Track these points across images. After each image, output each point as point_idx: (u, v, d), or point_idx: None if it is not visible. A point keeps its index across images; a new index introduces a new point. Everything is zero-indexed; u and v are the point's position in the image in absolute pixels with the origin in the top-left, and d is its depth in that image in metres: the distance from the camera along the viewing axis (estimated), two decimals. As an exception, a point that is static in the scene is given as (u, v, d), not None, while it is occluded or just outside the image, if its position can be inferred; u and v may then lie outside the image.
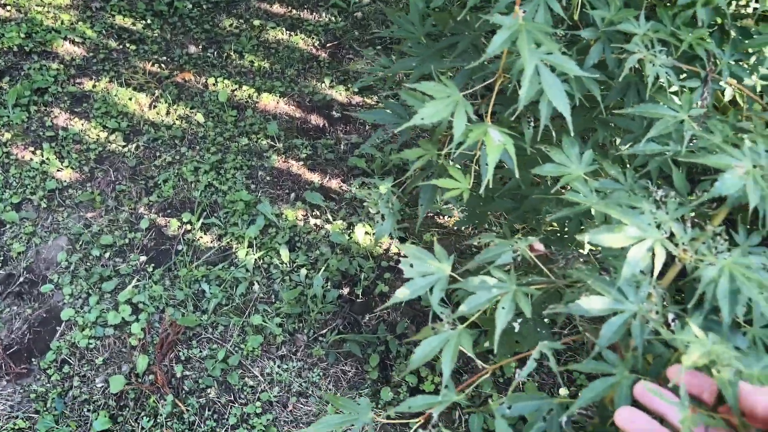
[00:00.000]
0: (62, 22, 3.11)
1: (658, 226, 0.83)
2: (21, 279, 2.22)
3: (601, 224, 0.86)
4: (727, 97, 1.27)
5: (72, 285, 2.20)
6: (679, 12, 1.10)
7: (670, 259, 0.86)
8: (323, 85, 2.82)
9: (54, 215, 2.40)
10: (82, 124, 2.69)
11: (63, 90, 2.84)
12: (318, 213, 2.36)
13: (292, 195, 2.43)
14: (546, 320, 1.05)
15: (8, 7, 3.20)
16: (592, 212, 1.01)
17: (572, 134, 0.95)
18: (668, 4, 1.16)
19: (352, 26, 3.10)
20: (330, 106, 2.75)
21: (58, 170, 2.53)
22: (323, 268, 2.18)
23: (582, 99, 1.04)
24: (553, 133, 1.03)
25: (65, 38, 3.03)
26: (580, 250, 1.07)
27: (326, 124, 2.69)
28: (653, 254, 0.80)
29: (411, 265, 0.88)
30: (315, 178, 2.49)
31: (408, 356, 1.55)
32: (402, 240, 2.26)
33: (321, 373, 1.98)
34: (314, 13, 3.17)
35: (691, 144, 1.04)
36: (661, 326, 0.77)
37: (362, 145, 1.86)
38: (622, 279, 0.77)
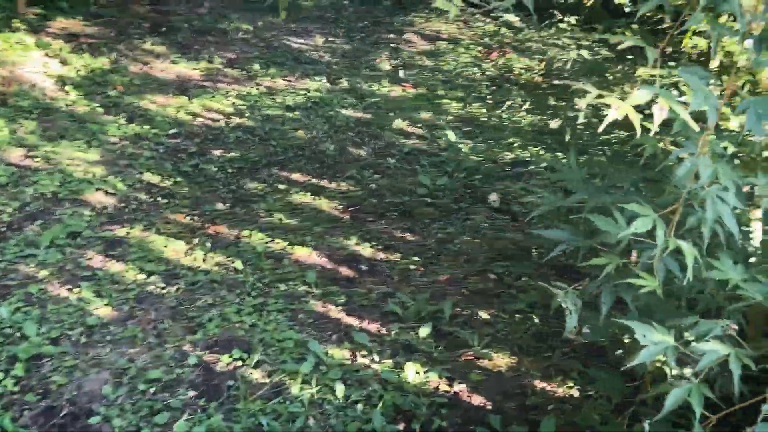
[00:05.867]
0: (93, 175, 3.27)
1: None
2: (64, 411, 2.15)
3: None
4: None
5: (120, 418, 2.14)
6: None
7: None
8: (350, 242, 3.06)
9: (95, 350, 2.38)
10: (119, 266, 2.76)
11: (96, 234, 2.93)
12: (365, 353, 2.47)
13: (335, 336, 2.54)
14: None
15: (37, 158, 3.35)
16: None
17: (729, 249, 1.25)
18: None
19: (368, 195, 3.42)
20: (358, 260, 2.97)
21: (96, 308, 2.55)
22: (380, 404, 2.25)
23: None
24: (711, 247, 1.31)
25: (97, 189, 3.18)
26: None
27: (357, 276, 2.88)
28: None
29: (644, 335, 1.10)
30: (354, 321, 2.63)
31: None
32: (450, 379, 2.39)
33: (390, 506, 1.98)
34: (333, 182, 3.49)
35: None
36: None
37: (551, 254, 1.69)
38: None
